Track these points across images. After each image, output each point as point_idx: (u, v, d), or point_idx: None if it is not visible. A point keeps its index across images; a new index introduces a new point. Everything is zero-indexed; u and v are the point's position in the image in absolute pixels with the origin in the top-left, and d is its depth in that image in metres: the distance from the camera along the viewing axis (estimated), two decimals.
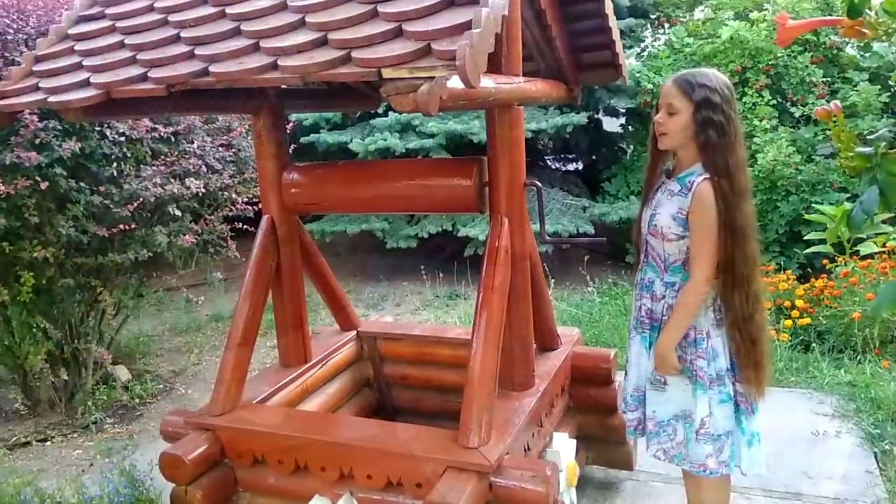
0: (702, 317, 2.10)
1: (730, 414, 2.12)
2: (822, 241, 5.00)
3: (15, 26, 3.61)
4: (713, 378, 2.10)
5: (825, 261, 5.10)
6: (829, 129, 4.19)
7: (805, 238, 5.36)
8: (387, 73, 1.51)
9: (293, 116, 6.83)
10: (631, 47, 7.63)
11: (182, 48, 1.85)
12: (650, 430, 2.21)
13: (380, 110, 6.44)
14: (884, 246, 4.58)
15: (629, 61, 7.29)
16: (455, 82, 1.49)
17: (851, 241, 4.88)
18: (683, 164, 2.13)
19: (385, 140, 6.43)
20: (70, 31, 2.13)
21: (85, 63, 1.96)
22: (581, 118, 6.60)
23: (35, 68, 2.04)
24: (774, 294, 4.78)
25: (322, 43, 1.67)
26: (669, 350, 2.09)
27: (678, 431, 2.16)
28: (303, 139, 7.01)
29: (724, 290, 2.06)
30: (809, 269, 5.80)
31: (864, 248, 4.75)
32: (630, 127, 7.88)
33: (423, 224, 6.71)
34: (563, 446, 2.46)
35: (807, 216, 5.46)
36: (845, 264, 4.76)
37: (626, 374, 2.37)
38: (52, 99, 1.89)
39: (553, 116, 6.58)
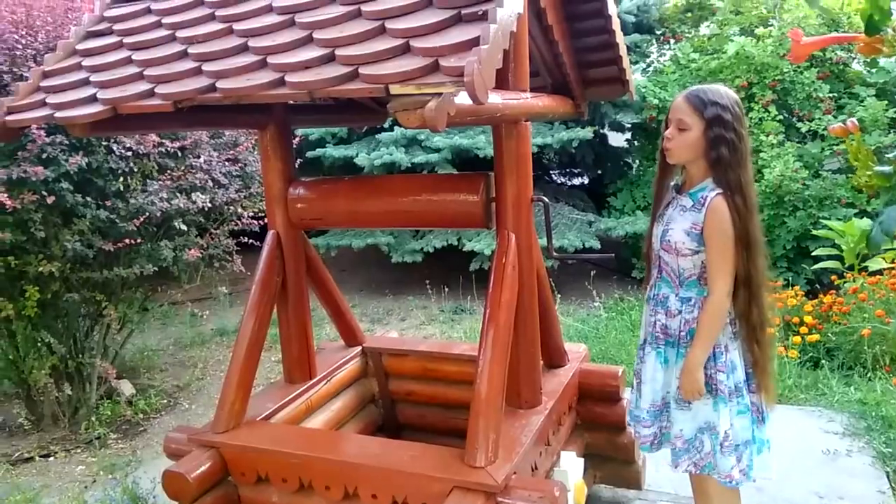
0: (720, 331, 2.11)
1: (748, 424, 2.14)
2: (831, 257, 4.97)
3: (24, 42, 3.63)
4: (732, 390, 2.12)
5: (833, 276, 5.06)
6: (837, 145, 4.16)
7: (813, 253, 5.33)
8: (394, 89, 1.50)
9: (299, 131, 6.85)
10: (636, 63, 7.65)
11: (189, 64, 1.84)
12: (678, 447, 2.21)
13: (385, 125, 6.45)
14: (892, 262, 4.55)
15: (635, 76, 7.30)
16: (463, 98, 1.48)
17: (860, 256, 4.85)
18: (694, 180, 2.14)
19: (391, 155, 6.44)
20: (78, 47, 2.14)
21: (92, 79, 1.96)
22: (587, 133, 6.60)
23: (42, 84, 2.04)
24: (783, 310, 4.74)
25: (329, 59, 1.66)
26: (698, 369, 2.09)
27: (705, 443, 2.16)
28: (309, 153, 7.03)
29: (743, 303, 2.08)
30: (817, 285, 5.76)
31: (873, 264, 4.72)
32: (636, 142, 7.88)
33: (429, 238, 6.70)
34: (571, 465, 2.43)
35: (814, 232, 5.45)
36: (854, 280, 4.72)
37: (634, 389, 2.36)
38: (58, 114, 1.89)
39: (559, 131, 6.58)
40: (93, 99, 1.88)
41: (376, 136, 6.84)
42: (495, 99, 1.84)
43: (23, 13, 3.75)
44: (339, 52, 1.66)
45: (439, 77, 1.49)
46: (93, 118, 1.84)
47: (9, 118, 1.97)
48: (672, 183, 2.27)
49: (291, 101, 2.58)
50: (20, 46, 3.61)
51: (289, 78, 1.64)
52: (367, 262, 8.24)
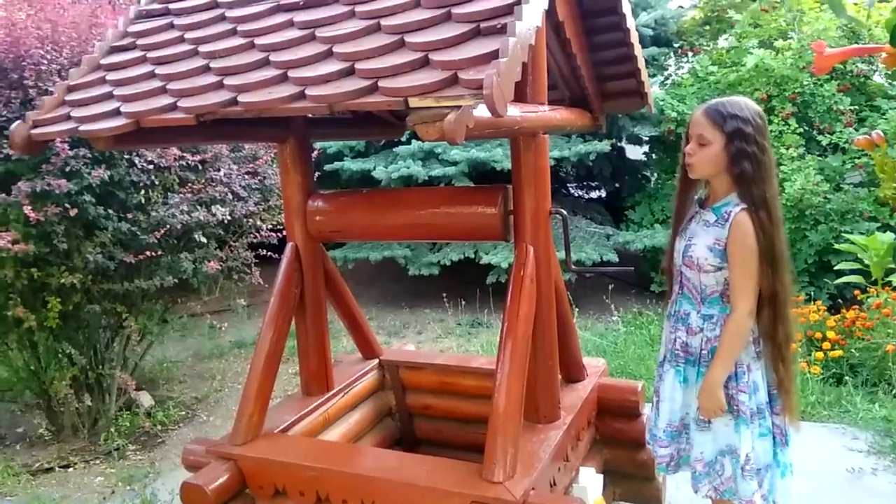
0: (742, 350, 2.06)
1: (769, 447, 2.09)
2: (853, 272, 4.90)
3: (49, 57, 3.70)
4: (754, 412, 2.07)
5: (856, 291, 4.98)
6: (858, 158, 4.09)
7: (835, 268, 5.25)
8: (413, 102, 1.51)
9: (317, 144, 6.90)
10: (654, 76, 7.63)
11: (211, 78, 1.86)
12: (699, 471, 2.15)
13: (403, 138, 6.48)
14: None
15: (652, 89, 7.27)
16: (482, 111, 1.48)
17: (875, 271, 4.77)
18: (717, 194, 2.10)
19: (408, 168, 6.46)
20: (102, 62, 2.17)
21: (116, 93, 1.99)
22: (604, 146, 6.58)
23: (67, 98, 2.07)
24: (805, 325, 4.67)
25: (349, 73, 1.67)
26: (718, 388, 2.04)
27: (726, 467, 2.10)
28: (326, 167, 7.07)
29: (767, 322, 2.03)
30: (840, 300, 5.67)
31: None
32: (654, 155, 7.84)
33: (446, 251, 6.70)
34: (590, 481, 2.40)
35: (836, 246, 5.37)
36: (877, 295, 4.65)
37: (654, 407, 2.32)
38: (82, 128, 1.92)
39: (576, 144, 6.57)
40: (116, 112, 1.91)
41: (394, 150, 6.87)
42: (514, 112, 1.84)
43: (48, 29, 3.82)
44: (358, 65, 1.67)
45: (458, 90, 1.49)
46: (116, 131, 1.86)
47: (34, 132, 2.00)
48: (696, 196, 2.23)
49: (310, 115, 2.60)
50: (45, 61, 3.68)
51: (309, 91, 1.66)
52: (383, 274, 8.25)
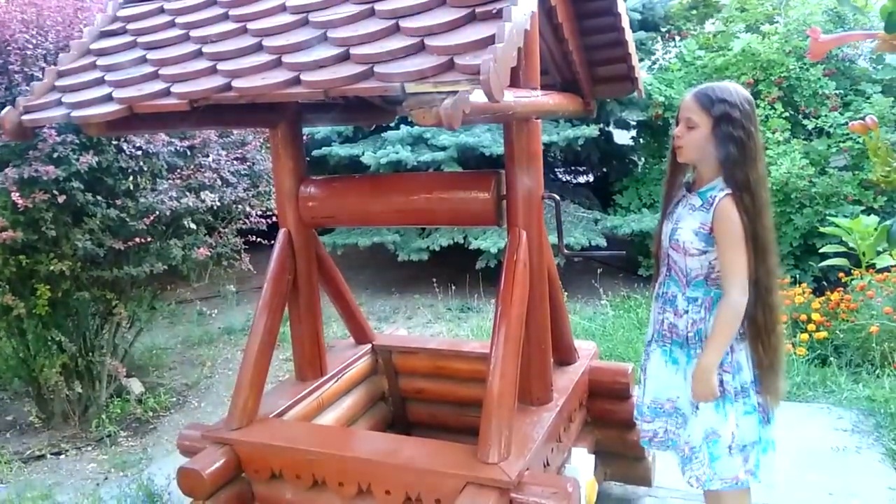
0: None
1: (755, 424, 2.12)
2: (838, 254, 4.97)
3: (34, 42, 3.65)
4: (738, 391, 2.10)
5: (841, 273, 5.06)
6: (843, 142, 4.14)
7: (820, 251, 5.32)
8: (410, 87, 1.51)
9: (305, 130, 6.85)
10: (642, 60, 7.63)
11: (204, 63, 1.85)
12: (685, 454, 2.19)
13: (392, 123, 6.45)
14: None
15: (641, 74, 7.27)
16: (477, 96, 1.49)
17: (867, 253, 4.84)
18: (704, 178, 2.13)
19: (397, 153, 6.44)
20: (92, 47, 2.15)
21: (107, 78, 1.98)
22: (592, 130, 6.59)
23: (58, 83, 2.05)
24: (790, 307, 4.74)
25: (344, 58, 1.67)
26: (711, 372, 2.07)
27: (703, 454, 2.13)
28: (315, 152, 7.03)
29: (749, 304, 2.04)
30: (825, 282, 5.75)
31: (881, 261, 4.71)
32: (641, 139, 7.87)
33: (435, 237, 6.71)
34: (583, 462, 2.44)
35: (822, 229, 5.43)
36: (861, 277, 4.72)
37: (641, 384, 2.36)
38: (75, 114, 1.90)
39: (564, 129, 6.58)
40: (108, 98, 1.90)
41: (382, 135, 6.85)
42: (508, 97, 1.85)
43: (33, 13, 3.76)
44: (353, 50, 1.67)
45: (455, 75, 1.50)
46: (109, 117, 1.85)
47: (25, 117, 1.98)
48: (684, 180, 2.25)
49: (301, 100, 2.59)
50: (31, 46, 3.63)
51: (304, 77, 1.65)
52: (373, 260, 8.25)
